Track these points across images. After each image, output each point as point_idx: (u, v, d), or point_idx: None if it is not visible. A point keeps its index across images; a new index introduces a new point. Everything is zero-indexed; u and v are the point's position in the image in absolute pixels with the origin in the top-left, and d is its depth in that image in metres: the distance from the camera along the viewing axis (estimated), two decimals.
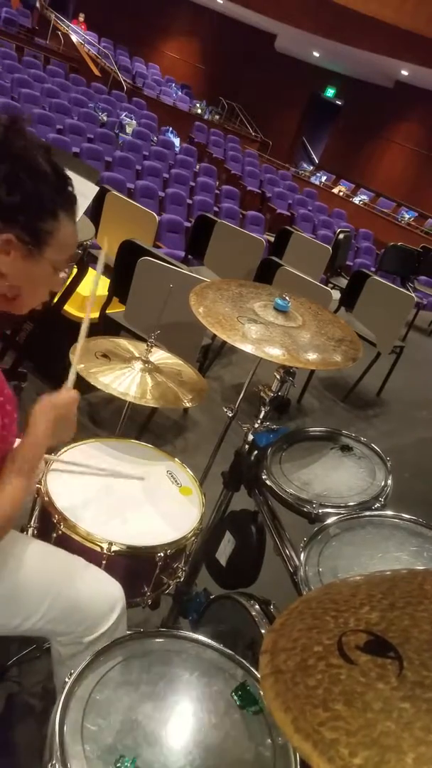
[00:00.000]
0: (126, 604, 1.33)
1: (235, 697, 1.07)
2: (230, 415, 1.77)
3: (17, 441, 1.19)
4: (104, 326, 3.17)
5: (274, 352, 1.45)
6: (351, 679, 0.59)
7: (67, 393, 1.26)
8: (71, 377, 1.34)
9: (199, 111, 15.73)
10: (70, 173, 1.10)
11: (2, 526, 1.08)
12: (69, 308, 3.08)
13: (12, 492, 1.09)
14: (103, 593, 1.27)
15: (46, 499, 1.44)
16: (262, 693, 1.07)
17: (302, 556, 1.29)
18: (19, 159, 1.01)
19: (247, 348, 1.44)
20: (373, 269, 7.49)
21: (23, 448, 1.15)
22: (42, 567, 1.25)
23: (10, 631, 1.22)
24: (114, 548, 1.37)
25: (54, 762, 0.89)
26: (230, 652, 1.15)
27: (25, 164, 1.01)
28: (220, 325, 1.49)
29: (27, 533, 1.51)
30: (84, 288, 3.02)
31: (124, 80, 13.68)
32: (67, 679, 1.01)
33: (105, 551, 1.36)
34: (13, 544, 1.26)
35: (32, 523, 1.51)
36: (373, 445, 1.76)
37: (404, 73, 14.52)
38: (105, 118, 9.69)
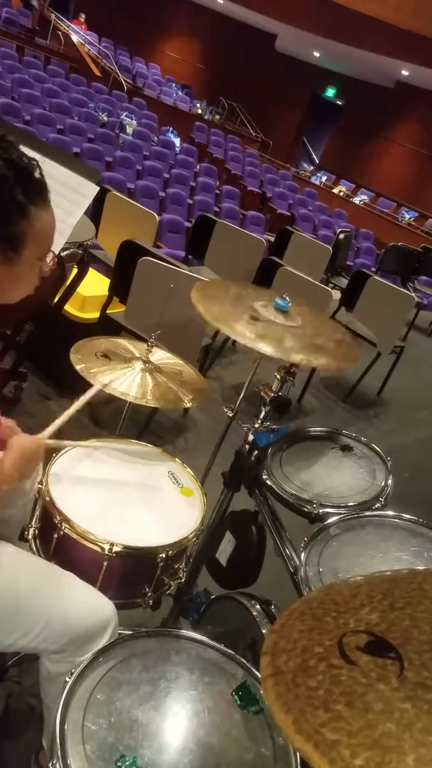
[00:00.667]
0: (127, 605, 1.32)
1: (236, 697, 1.07)
2: (230, 415, 1.77)
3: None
4: (104, 326, 3.17)
5: (277, 348, 1.45)
6: (352, 680, 0.60)
7: (37, 439, 1.31)
8: (51, 428, 1.39)
9: (200, 111, 15.72)
10: (73, 175, 1.08)
11: None
12: (69, 308, 3.08)
13: None
14: (96, 613, 1.26)
15: (47, 499, 1.44)
16: (262, 693, 1.07)
17: (302, 556, 1.29)
18: None
19: (249, 343, 1.43)
20: (373, 269, 7.49)
21: None
22: (39, 585, 1.25)
23: (4, 649, 1.22)
24: (115, 549, 1.37)
25: (55, 761, 0.89)
26: (231, 652, 1.16)
27: None
28: (222, 320, 1.49)
29: (28, 533, 1.51)
30: (84, 288, 3.02)
31: (124, 80, 13.69)
32: (68, 679, 1.01)
33: (106, 552, 1.36)
34: (9, 561, 1.25)
35: (33, 523, 1.51)
36: (373, 445, 1.76)
37: (405, 73, 14.52)
38: (105, 118, 9.69)
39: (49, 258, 1.11)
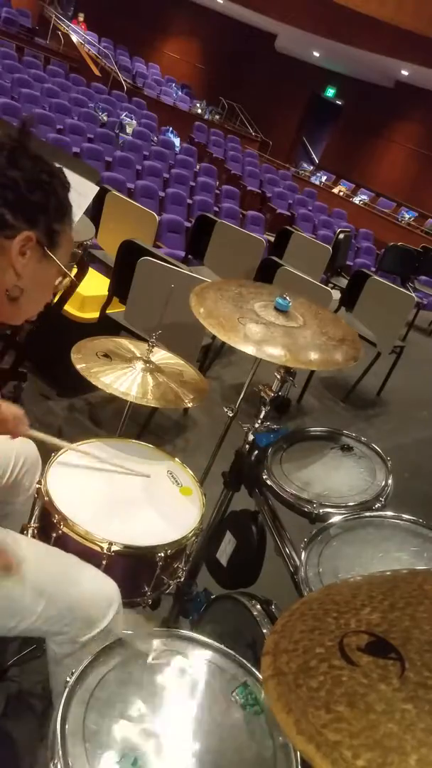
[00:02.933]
0: (126, 604, 1.32)
1: (236, 697, 1.07)
2: (231, 415, 1.77)
3: None
4: (104, 326, 3.17)
5: (276, 353, 1.45)
6: (353, 681, 0.59)
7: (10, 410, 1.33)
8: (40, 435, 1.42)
9: (199, 111, 15.73)
10: (73, 175, 1.11)
11: None
12: (69, 308, 3.08)
13: None
14: (99, 592, 1.27)
15: (46, 498, 1.44)
16: (263, 693, 1.07)
17: (303, 556, 1.29)
18: (38, 159, 1.00)
19: (249, 350, 1.44)
20: (373, 269, 7.49)
21: None
22: (38, 567, 1.25)
23: (7, 632, 1.22)
24: (114, 548, 1.37)
25: (56, 761, 0.89)
26: (231, 651, 1.15)
27: (43, 165, 1.01)
28: (221, 326, 1.49)
29: (27, 533, 1.51)
30: (84, 288, 3.02)
31: (124, 80, 13.68)
32: (68, 678, 1.01)
33: (105, 551, 1.36)
34: (9, 544, 1.25)
35: (32, 522, 1.51)
36: (373, 444, 1.76)
37: (404, 73, 14.52)
38: (105, 118, 9.69)
39: (62, 280, 1.13)
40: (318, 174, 16.02)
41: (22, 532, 1.51)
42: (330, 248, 5.84)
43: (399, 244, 7.99)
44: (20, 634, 1.24)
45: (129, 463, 1.66)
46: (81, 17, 16.67)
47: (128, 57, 17.12)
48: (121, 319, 3.15)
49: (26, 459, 1.56)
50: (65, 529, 1.39)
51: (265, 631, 1.47)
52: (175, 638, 1.17)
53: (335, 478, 1.61)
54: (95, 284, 3.36)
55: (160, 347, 1.92)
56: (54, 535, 1.41)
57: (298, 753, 0.99)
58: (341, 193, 14.36)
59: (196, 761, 0.95)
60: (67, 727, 0.94)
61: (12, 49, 11.01)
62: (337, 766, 0.51)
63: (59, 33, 15.40)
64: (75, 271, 2.70)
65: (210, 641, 1.17)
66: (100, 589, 1.28)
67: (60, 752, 0.90)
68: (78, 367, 1.68)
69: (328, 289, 4.11)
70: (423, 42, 11.86)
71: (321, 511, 1.46)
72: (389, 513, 1.43)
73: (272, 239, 5.88)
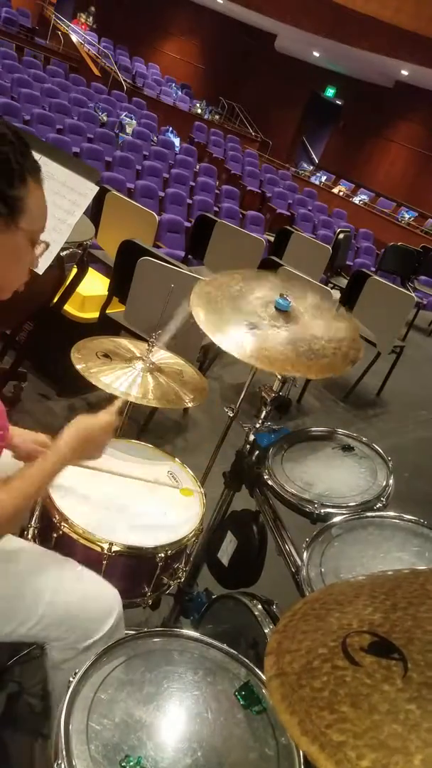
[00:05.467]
0: (126, 605, 1.32)
1: (239, 697, 1.07)
2: (231, 415, 1.77)
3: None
4: (104, 326, 3.17)
5: (275, 361, 1.45)
6: (356, 681, 0.59)
7: (106, 417, 1.26)
8: (118, 403, 1.34)
9: (199, 111, 15.72)
10: (72, 175, 1.08)
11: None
12: (69, 308, 3.08)
13: (16, 495, 1.09)
14: (99, 599, 1.25)
15: (46, 499, 1.43)
16: (266, 694, 1.07)
17: (304, 556, 1.29)
18: None
19: (249, 360, 1.43)
20: (373, 269, 7.49)
21: (44, 459, 1.16)
22: (37, 572, 1.24)
23: (4, 638, 1.20)
24: (114, 549, 1.37)
25: (60, 761, 0.89)
26: (234, 651, 1.15)
27: None
28: (221, 334, 1.48)
29: (27, 533, 1.51)
30: (84, 288, 3.02)
31: (124, 80, 13.69)
32: (71, 679, 1.01)
33: (105, 552, 1.36)
34: (8, 548, 1.24)
35: (33, 522, 1.50)
36: (374, 444, 1.76)
37: (404, 73, 14.51)
38: (105, 118, 9.70)
39: (41, 248, 1.08)
40: (318, 174, 16.02)
41: (22, 533, 1.51)
42: (330, 248, 5.85)
43: (399, 244, 8.00)
44: (19, 639, 1.23)
45: (129, 463, 1.66)
46: (82, 17, 16.67)
47: (128, 57, 17.12)
48: (120, 319, 3.15)
49: None
50: (66, 530, 1.39)
51: (266, 631, 1.47)
52: (177, 638, 1.17)
53: (336, 478, 1.61)
54: (95, 284, 3.36)
55: (160, 347, 1.92)
56: (54, 535, 1.41)
57: (301, 753, 0.99)
58: (341, 193, 14.36)
59: (199, 761, 0.94)
60: (71, 727, 0.94)
61: (12, 49, 11.02)
62: (341, 766, 0.51)
63: (59, 33, 15.40)
64: (75, 270, 2.71)
65: (212, 641, 1.17)
66: (101, 595, 1.26)
67: (64, 752, 0.90)
68: (78, 367, 1.68)
69: (328, 289, 4.11)
70: (423, 42, 11.86)
71: (322, 511, 1.46)
72: (390, 513, 1.43)
73: (272, 239, 5.88)
